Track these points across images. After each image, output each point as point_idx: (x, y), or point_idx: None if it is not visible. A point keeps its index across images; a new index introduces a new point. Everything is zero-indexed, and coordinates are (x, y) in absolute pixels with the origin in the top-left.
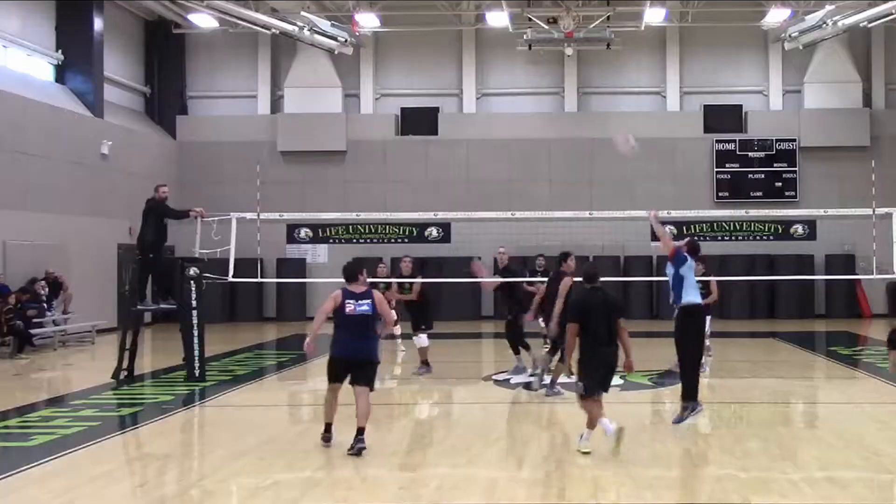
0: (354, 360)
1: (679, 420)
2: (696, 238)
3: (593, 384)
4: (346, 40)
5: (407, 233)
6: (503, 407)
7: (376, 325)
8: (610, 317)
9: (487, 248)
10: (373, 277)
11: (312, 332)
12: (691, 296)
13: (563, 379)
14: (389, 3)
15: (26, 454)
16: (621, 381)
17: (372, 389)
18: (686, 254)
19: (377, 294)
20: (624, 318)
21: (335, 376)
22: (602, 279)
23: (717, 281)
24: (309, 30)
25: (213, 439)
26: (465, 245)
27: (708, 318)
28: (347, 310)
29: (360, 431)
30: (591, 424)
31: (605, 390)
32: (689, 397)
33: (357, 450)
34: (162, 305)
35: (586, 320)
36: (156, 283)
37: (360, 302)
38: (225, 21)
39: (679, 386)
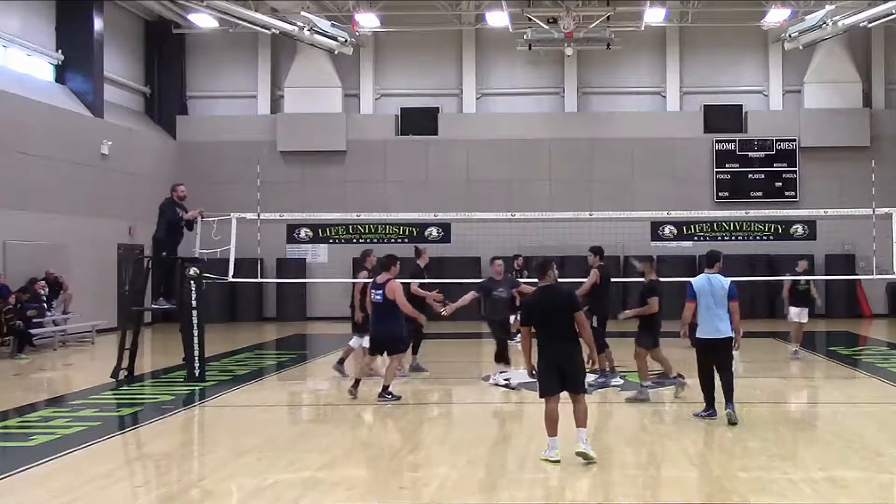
0: (379, 338)
1: (696, 413)
2: (695, 239)
3: (545, 384)
4: (346, 40)
5: (407, 233)
6: (504, 407)
7: (394, 309)
8: (559, 315)
9: (487, 249)
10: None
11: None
12: (702, 331)
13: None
14: (389, 3)
15: (26, 454)
16: (621, 382)
17: (394, 354)
18: (691, 282)
19: (389, 285)
20: (582, 314)
21: (374, 351)
22: None
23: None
24: (309, 30)
25: (214, 439)
26: (464, 245)
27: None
28: (371, 297)
29: (384, 389)
30: (551, 431)
31: (572, 389)
32: (707, 405)
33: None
34: (164, 306)
35: (536, 321)
36: (166, 281)
37: (376, 291)
38: (225, 21)
39: (674, 388)
